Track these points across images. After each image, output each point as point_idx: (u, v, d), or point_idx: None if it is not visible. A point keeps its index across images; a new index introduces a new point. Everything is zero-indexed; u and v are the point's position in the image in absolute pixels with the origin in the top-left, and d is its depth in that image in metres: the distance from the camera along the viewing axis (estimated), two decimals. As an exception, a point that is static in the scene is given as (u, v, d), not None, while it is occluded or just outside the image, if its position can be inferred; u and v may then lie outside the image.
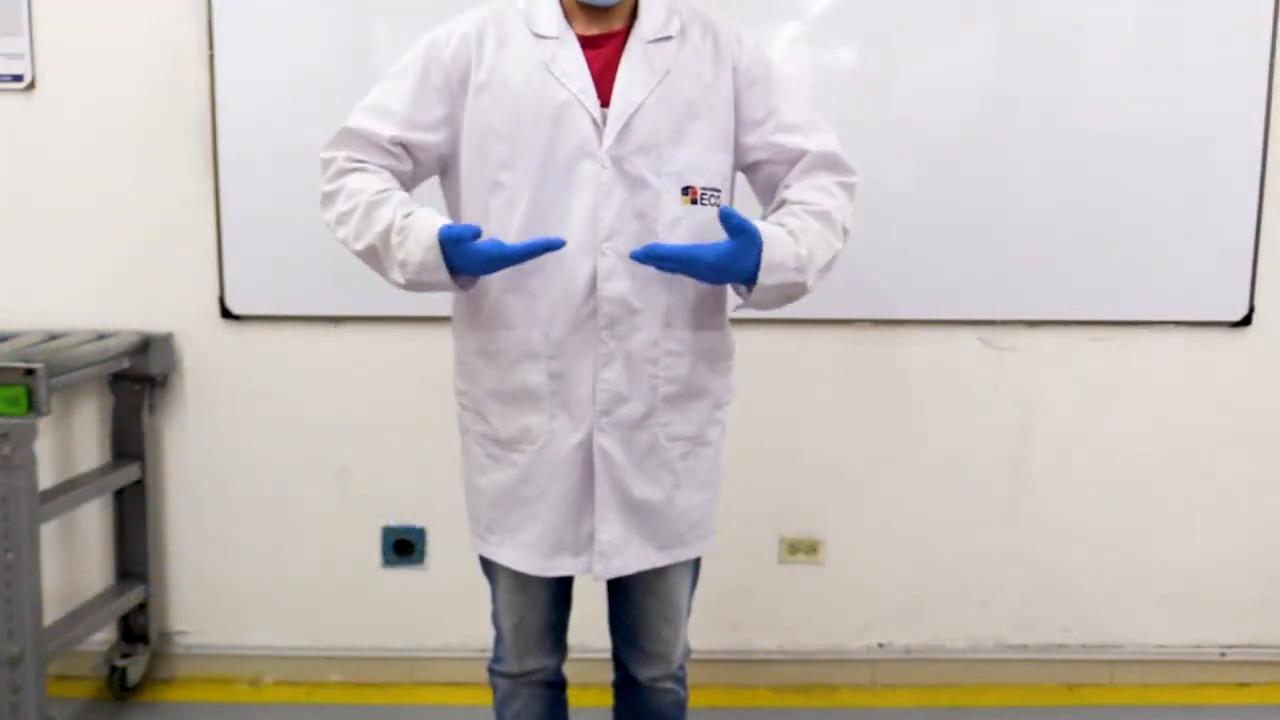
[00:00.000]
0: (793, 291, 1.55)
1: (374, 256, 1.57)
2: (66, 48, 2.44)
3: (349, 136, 1.62)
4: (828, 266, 1.59)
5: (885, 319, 2.52)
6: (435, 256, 1.49)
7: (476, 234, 1.48)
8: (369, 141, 1.61)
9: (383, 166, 1.61)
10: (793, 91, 1.66)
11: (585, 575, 1.66)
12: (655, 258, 1.47)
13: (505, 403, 1.62)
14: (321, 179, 1.63)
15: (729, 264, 1.49)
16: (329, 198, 1.61)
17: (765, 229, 1.51)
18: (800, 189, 1.62)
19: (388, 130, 1.60)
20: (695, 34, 1.62)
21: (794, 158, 1.63)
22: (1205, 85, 2.45)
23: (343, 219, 1.58)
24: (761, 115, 1.63)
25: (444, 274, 1.51)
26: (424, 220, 1.52)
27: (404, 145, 1.61)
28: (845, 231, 1.63)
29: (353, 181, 1.59)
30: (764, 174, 1.67)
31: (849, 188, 1.66)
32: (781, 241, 1.51)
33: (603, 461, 1.60)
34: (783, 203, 1.63)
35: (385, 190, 1.57)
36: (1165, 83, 2.46)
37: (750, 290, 1.53)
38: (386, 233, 1.53)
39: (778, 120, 1.63)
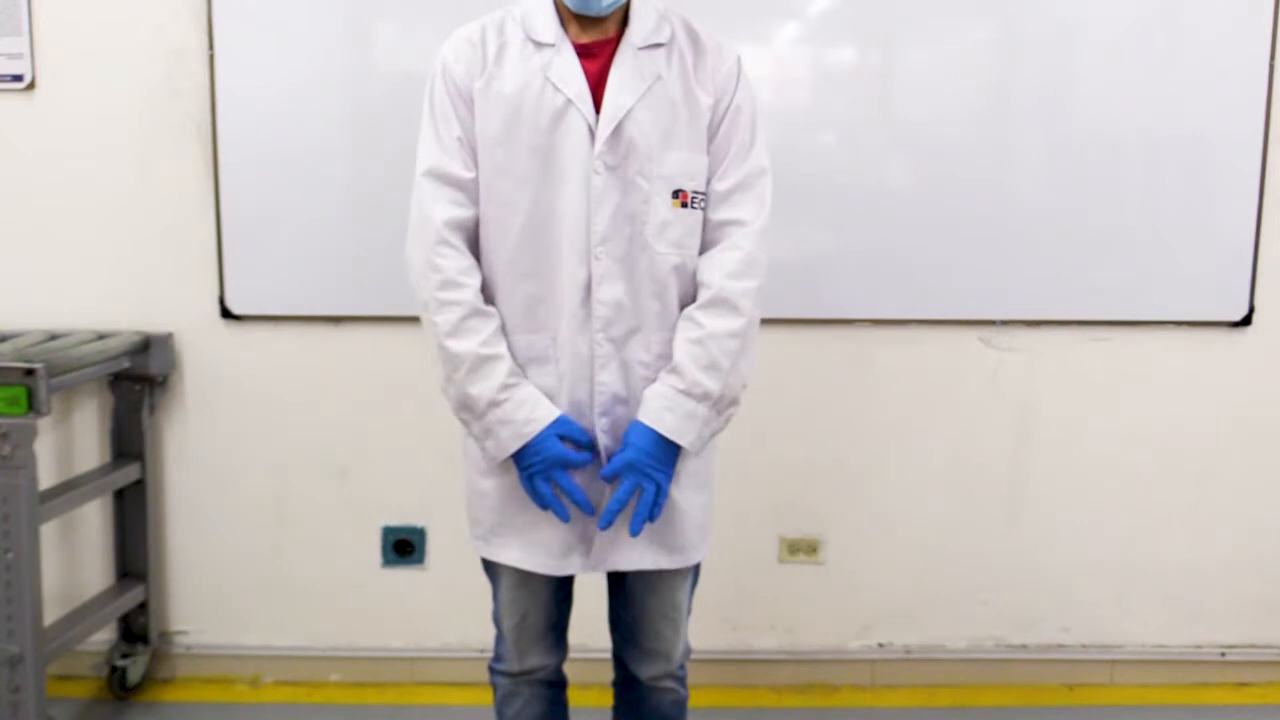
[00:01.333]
0: (722, 411, 1.61)
1: (452, 362, 1.57)
2: (66, 48, 2.45)
3: (438, 177, 1.58)
4: (743, 349, 1.60)
5: (885, 319, 2.52)
6: (514, 446, 1.56)
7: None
8: (456, 182, 1.58)
9: (463, 226, 1.59)
10: (743, 116, 1.64)
11: (600, 576, 1.69)
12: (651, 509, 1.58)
13: None
14: (419, 240, 1.58)
15: (660, 455, 1.56)
16: (430, 268, 1.57)
17: (645, 411, 1.57)
18: (703, 266, 1.62)
19: (465, 169, 1.58)
20: (683, 40, 1.64)
21: (715, 180, 1.64)
22: (1205, 85, 2.45)
23: (441, 307, 1.56)
24: (714, 133, 1.63)
25: (500, 451, 1.58)
26: (530, 414, 1.56)
27: (477, 176, 1.59)
28: (757, 293, 1.61)
29: (452, 267, 1.57)
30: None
31: (758, 234, 1.62)
32: (672, 405, 1.56)
33: (603, 463, 1.61)
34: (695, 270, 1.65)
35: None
36: (1165, 83, 2.46)
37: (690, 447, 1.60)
38: (490, 364, 1.56)
39: (721, 143, 1.63)
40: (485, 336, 1.57)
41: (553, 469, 1.56)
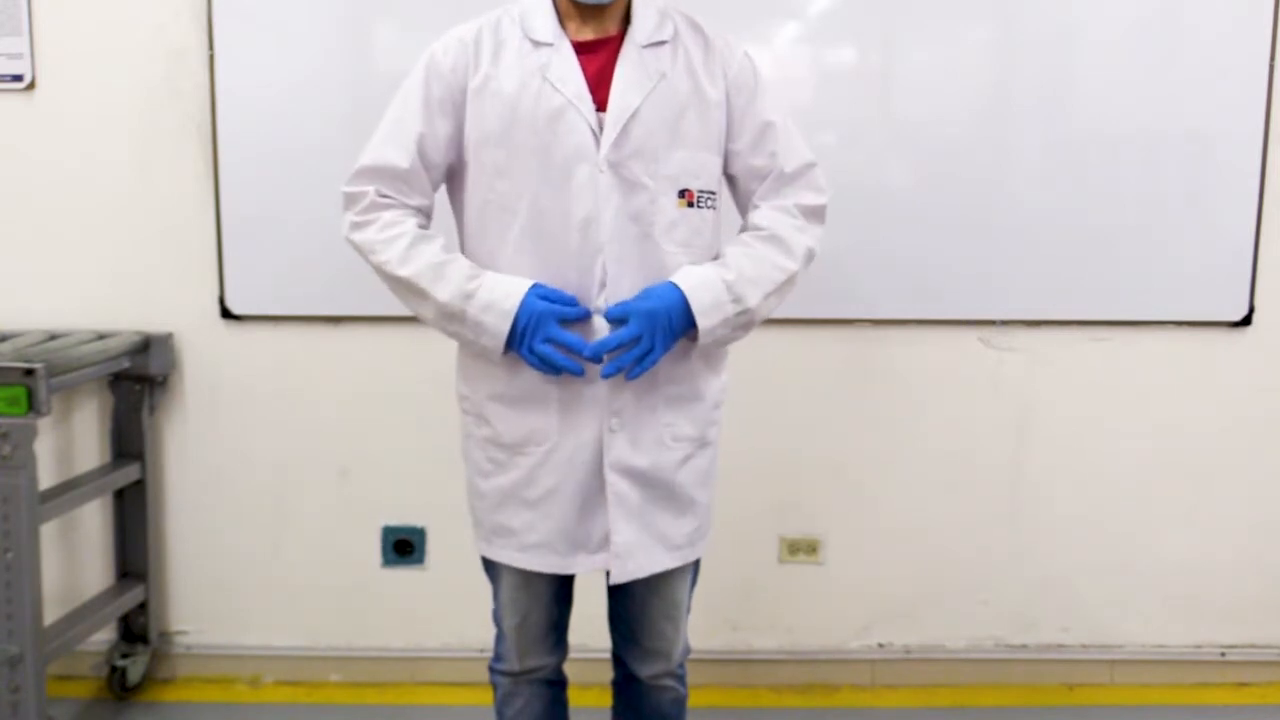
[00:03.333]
0: (739, 328, 1.61)
1: (411, 285, 1.57)
2: (66, 48, 2.45)
3: (370, 173, 1.61)
4: (781, 288, 1.62)
5: (885, 319, 2.52)
6: (505, 324, 1.54)
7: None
8: (392, 173, 1.60)
9: (409, 207, 1.61)
10: (775, 108, 1.66)
11: (600, 576, 1.67)
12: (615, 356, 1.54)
13: (509, 406, 1.62)
14: (349, 212, 1.62)
15: (675, 322, 1.55)
16: (358, 226, 1.60)
17: (684, 278, 1.56)
18: (759, 214, 1.65)
19: (405, 159, 1.59)
20: (687, 38, 1.63)
21: (765, 175, 1.66)
22: (1205, 85, 2.45)
23: (386, 244, 1.57)
24: (741, 128, 1.64)
25: (496, 338, 1.54)
26: (507, 289, 1.55)
27: (423, 169, 1.60)
28: (808, 253, 1.65)
29: (389, 215, 1.59)
30: (740, 189, 1.70)
31: (814, 212, 1.66)
32: (710, 286, 1.56)
33: (613, 462, 1.60)
34: (743, 229, 1.67)
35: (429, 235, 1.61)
36: (1165, 83, 2.46)
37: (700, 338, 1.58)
38: (449, 266, 1.57)
39: (757, 138, 1.64)
40: (436, 248, 1.58)
41: (546, 324, 1.53)
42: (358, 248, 1.61)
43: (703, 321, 1.56)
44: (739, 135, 1.64)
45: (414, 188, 1.61)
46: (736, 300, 1.57)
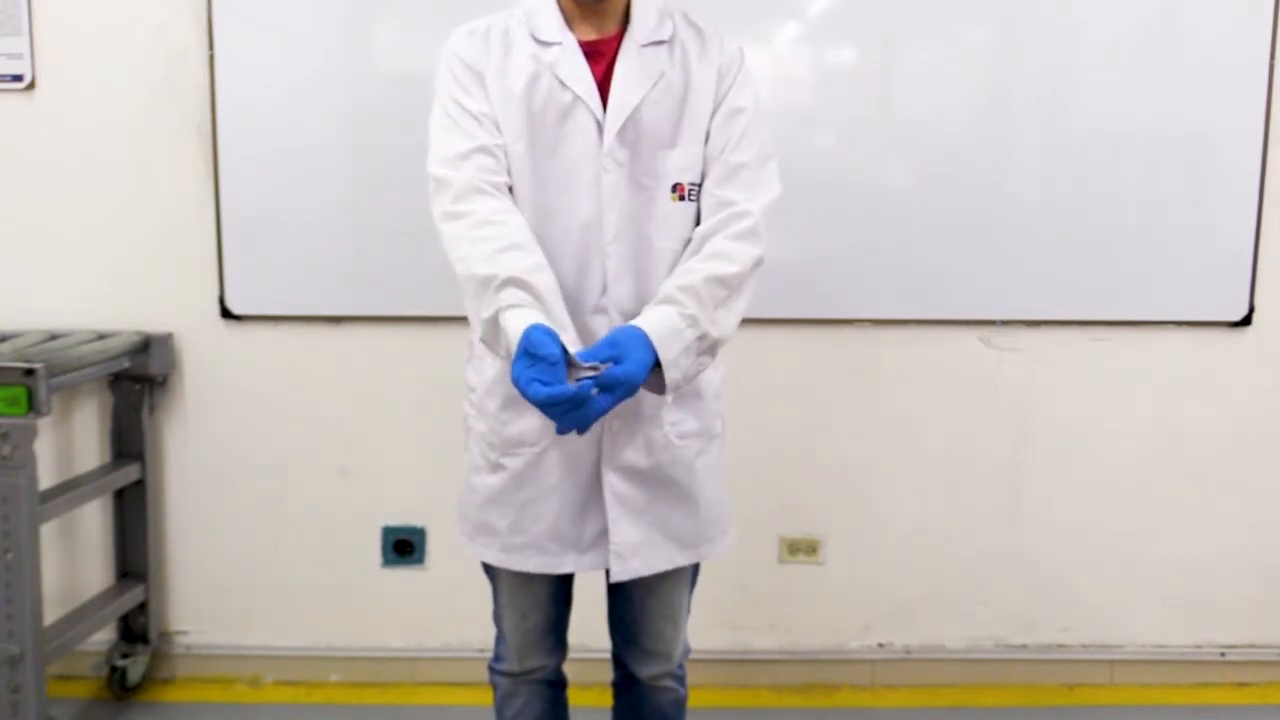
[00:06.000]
0: (704, 351, 1.51)
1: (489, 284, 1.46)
2: (66, 48, 2.45)
3: (460, 156, 1.52)
4: (728, 301, 1.53)
5: (885, 319, 2.52)
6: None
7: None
8: (483, 151, 1.53)
9: (506, 193, 1.54)
10: (750, 102, 1.62)
11: (600, 577, 1.66)
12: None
13: (507, 405, 1.62)
14: (440, 198, 1.52)
15: (634, 365, 1.41)
16: (451, 216, 1.51)
17: (649, 327, 1.44)
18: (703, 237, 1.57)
19: (490, 135, 1.54)
20: (685, 36, 1.63)
21: (716, 159, 1.60)
22: (1205, 85, 2.45)
23: (473, 242, 1.48)
24: (716, 110, 1.60)
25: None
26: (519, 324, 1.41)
27: (499, 140, 1.55)
28: (755, 262, 1.56)
29: (487, 208, 1.50)
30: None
31: (765, 209, 1.58)
32: (674, 334, 1.46)
33: (612, 463, 1.60)
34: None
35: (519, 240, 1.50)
36: (1165, 83, 2.46)
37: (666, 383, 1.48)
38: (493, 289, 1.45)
39: (724, 120, 1.60)
40: (530, 262, 1.46)
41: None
42: (442, 239, 1.52)
43: (668, 376, 1.46)
44: (714, 118, 1.60)
45: (502, 165, 1.55)
46: (701, 338, 1.49)
